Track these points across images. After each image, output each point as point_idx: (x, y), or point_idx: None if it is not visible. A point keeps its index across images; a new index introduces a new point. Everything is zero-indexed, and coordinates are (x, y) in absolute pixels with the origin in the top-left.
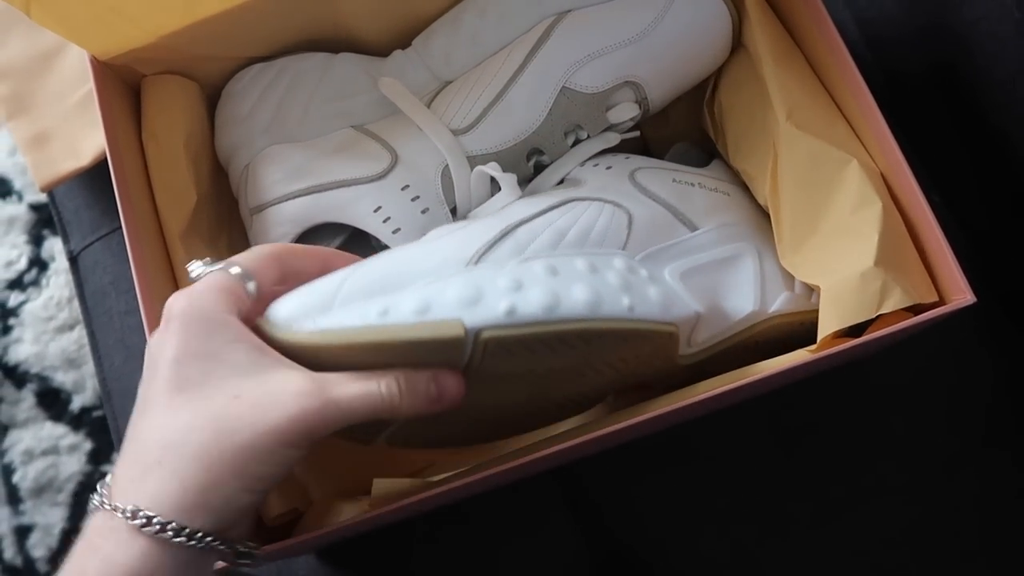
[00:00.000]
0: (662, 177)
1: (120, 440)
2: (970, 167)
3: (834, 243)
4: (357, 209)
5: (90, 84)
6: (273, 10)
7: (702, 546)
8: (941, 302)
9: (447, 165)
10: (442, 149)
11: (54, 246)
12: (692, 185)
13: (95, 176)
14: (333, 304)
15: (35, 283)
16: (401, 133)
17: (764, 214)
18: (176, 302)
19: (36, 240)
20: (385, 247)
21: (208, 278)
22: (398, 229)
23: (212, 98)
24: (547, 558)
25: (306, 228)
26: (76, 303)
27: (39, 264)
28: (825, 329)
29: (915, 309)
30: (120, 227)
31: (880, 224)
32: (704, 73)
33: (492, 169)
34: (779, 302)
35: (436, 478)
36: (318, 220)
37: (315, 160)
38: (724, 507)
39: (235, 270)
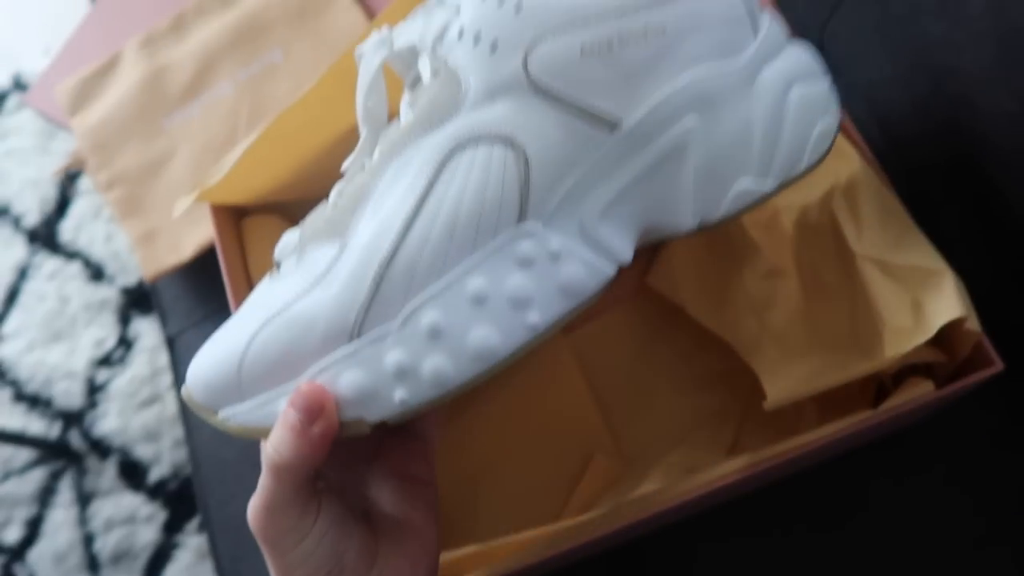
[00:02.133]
0: (568, 49)
1: (207, 510)
2: (987, 254)
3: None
4: None
5: (192, 188)
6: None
7: None
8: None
9: None
10: None
11: (139, 326)
12: (610, 46)
13: (191, 268)
14: (240, 389)
15: (121, 361)
16: None
17: (718, 27)
18: None
19: (124, 320)
20: None
21: None
22: None
23: None
24: None
25: None
26: (157, 380)
27: (125, 343)
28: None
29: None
30: (211, 314)
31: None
32: None
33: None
34: (727, 202)
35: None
36: None
37: None
38: None
39: None
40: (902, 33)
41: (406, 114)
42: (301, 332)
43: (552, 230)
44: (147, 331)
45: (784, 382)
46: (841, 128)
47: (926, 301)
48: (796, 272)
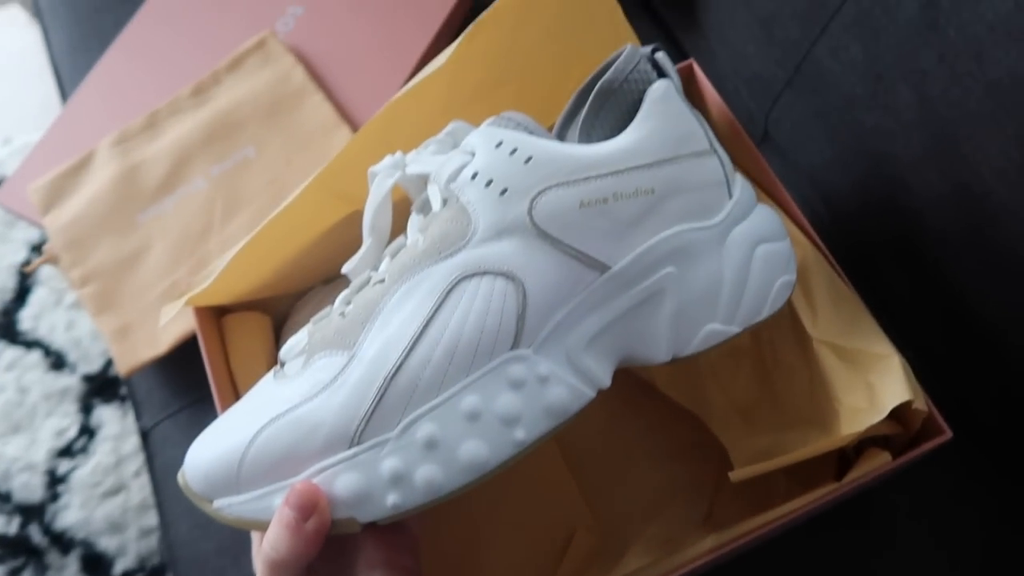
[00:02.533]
0: (568, 201)
1: None
2: (929, 321)
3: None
4: None
5: (167, 282)
6: (334, 253)
7: None
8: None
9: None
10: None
11: (102, 414)
12: (605, 201)
13: (166, 360)
14: (238, 482)
15: (83, 450)
16: None
17: (699, 191)
18: None
19: (86, 409)
20: None
21: None
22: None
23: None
24: None
25: None
26: (122, 468)
27: (88, 432)
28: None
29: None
30: (187, 406)
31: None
32: None
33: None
34: (697, 341)
35: None
36: None
37: None
38: None
39: None
40: (839, 121)
41: (414, 235)
42: (305, 434)
43: (542, 356)
44: (110, 419)
45: (749, 454)
46: (792, 215)
47: (878, 384)
48: (758, 352)
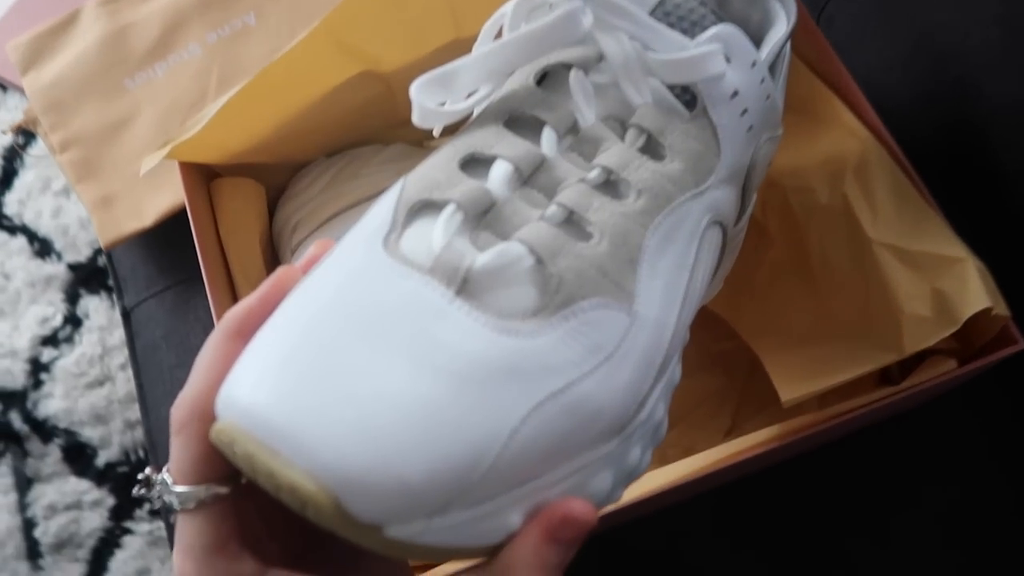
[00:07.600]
0: (770, 157)
1: None
2: (994, 250)
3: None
4: None
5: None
6: (338, 119)
7: None
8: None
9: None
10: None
11: (89, 304)
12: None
13: (152, 236)
14: (472, 491)
15: (68, 340)
16: None
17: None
18: None
19: (72, 298)
20: None
21: None
22: None
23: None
24: None
25: None
26: (108, 360)
27: (74, 321)
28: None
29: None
30: (174, 285)
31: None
32: None
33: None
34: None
35: None
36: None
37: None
38: None
39: None
40: (903, 15)
41: (634, 137)
42: (583, 422)
43: None
44: (97, 309)
45: (787, 368)
46: (856, 103)
47: (950, 291)
48: (804, 256)
